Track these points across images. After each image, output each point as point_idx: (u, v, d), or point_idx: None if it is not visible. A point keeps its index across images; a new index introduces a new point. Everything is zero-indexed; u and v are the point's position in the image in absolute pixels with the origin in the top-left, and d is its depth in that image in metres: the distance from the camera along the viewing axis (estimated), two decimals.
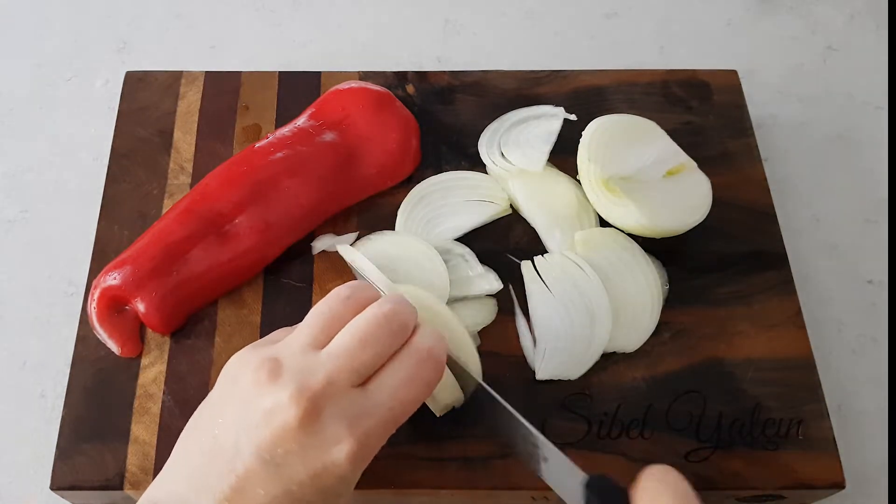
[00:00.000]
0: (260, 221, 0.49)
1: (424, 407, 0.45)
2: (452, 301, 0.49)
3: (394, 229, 0.52)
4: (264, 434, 0.35)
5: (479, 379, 0.42)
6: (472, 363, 0.43)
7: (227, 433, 0.36)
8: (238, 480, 0.35)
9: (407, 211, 0.52)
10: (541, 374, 0.46)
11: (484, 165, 0.54)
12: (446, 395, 0.42)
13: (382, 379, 0.36)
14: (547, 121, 0.55)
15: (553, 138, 0.53)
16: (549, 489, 0.44)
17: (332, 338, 0.37)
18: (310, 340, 0.37)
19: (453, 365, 0.42)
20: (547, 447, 0.39)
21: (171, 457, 0.39)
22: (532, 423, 0.41)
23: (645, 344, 0.48)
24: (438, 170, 0.54)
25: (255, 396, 0.36)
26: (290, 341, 0.38)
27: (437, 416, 0.44)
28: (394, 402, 0.36)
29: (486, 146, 0.55)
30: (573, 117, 0.54)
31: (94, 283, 0.48)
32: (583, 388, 0.46)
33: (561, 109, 0.55)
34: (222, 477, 0.35)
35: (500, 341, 0.48)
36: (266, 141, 0.52)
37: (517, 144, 0.54)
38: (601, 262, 0.49)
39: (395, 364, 0.37)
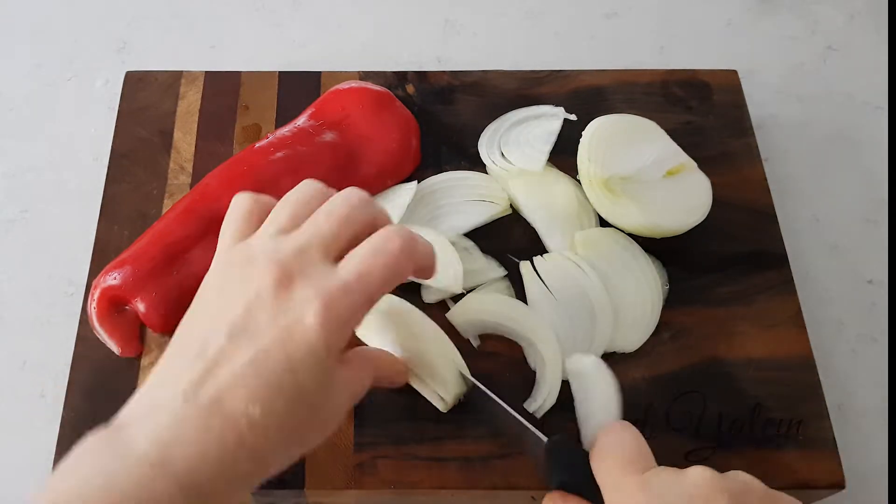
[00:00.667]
0: None
1: (426, 405, 0.45)
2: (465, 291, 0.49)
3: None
4: (237, 310, 0.34)
5: (468, 376, 0.43)
6: (454, 364, 0.44)
7: (201, 326, 0.35)
8: (207, 362, 0.33)
9: (409, 210, 0.52)
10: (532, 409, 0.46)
11: (484, 165, 0.54)
12: (451, 387, 0.43)
13: (351, 254, 0.36)
14: (547, 121, 0.55)
15: (553, 138, 0.53)
16: (550, 489, 0.44)
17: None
18: (277, 228, 0.37)
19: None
20: (519, 424, 0.41)
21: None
22: (532, 423, 0.41)
23: (645, 344, 0.48)
24: (438, 170, 0.54)
25: (228, 281, 0.36)
26: (259, 233, 0.37)
27: (444, 412, 0.45)
28: (361, 272, 0.35)
29: (487, 146, 0.55)
30: (573, 117, 0.54)
31: (94, 283, 0.48)
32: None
33: (561, 109, 0.55)
34: (192, 362, 0.33)
35: (501, 341, 0.48)
36: (266, 141, 0.52)
37: (517, 144, 0.54)
38: (601, 263, 0.49)
39: (364, 242, 0.36)
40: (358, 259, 0.35)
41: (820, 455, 0.45)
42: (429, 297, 0.49)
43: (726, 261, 0.51)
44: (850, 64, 0.68)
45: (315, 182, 0.39)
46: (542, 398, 0.45)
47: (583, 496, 0.38)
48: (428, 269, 0.39)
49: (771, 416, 0.46)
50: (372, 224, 0.37)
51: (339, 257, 0.36)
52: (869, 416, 0.53)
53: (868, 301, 0.57)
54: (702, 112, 0.57)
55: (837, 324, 0.56)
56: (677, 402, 0.46)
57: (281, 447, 0.33)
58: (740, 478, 0.36)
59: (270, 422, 0.32)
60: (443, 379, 0.43)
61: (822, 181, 0.62)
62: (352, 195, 0.38)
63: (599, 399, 0.45)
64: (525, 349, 0.48)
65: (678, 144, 0.52)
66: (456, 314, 0.48)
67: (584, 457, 0.38)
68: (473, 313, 0.48)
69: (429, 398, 0.45)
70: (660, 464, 0.38)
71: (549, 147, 0.53)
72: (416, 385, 0.44)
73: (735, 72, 0.59)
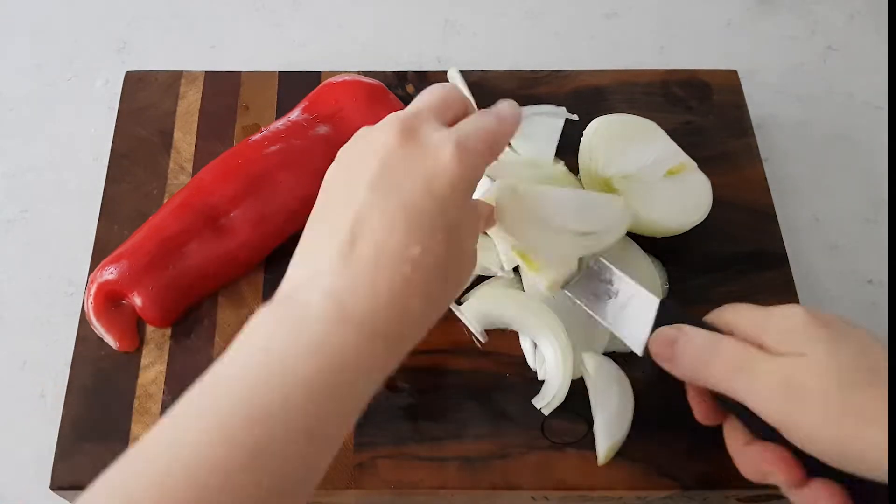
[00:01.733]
0: (255, 215, 0.49)
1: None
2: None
3: None
4: (371, 164, 0.35)
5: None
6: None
7: (337, 193, 0.36)
8: (354, 216, 0.33)
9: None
10: (542, 374, 0.46)
11: None
12: (553, 271, 0.44)
13: (463, 120, 0.37)
14: (550, 119, 0.55)
15: (557, 135, 0.53)
16: (549, 489, 0.44)
17: None
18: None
19: None
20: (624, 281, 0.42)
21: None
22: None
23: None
24: None
25: (356, 152, 0.37)
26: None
27: (550, 293, 0.45)
28: (477, 125, 0.36)
29: None
30: (574, 117, 0.54)
31: (91, 277, 0.48)
32: (584, 387, 0.46)
33: (563, 109, 0.55)
34: (339, 223, 0.34)
35: (502, 341, 0.48)
36: (260, 135, 0.52)
37: (524, 137, 0.54)
38: None
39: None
40: (470, 119, 0.37)
41: None
42: None
43: (726, 261, 0.51)
44: (850, 64, 0.68)
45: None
46: (551, 396, 0.45)
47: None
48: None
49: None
50: (466, 109, 0.39)
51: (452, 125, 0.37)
52: None
53: (868, 301, 0.57)
54: (702, 112, 0.57)
55: None
56: (677, 402, 0.46)
57: (442, 283, 0.34)
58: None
59: (430, 259, 0.33)
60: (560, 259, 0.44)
61: (822, 181, 0.62)
62: (452, 87, 0.39)
63: (616, 400, 0.45)
64: (527, 348, 0.48)
65: (678, 144, 0.52)
66: (469, 308, 0.48)
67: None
68: (487, 307, 0.48)
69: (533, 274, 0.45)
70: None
71: (555, 142, 0.53)
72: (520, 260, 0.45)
73: (735, 72, 0.59)
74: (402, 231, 0.33)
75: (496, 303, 0.48)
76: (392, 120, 0.36)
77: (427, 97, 0.38)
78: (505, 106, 0.39)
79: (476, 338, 0.48)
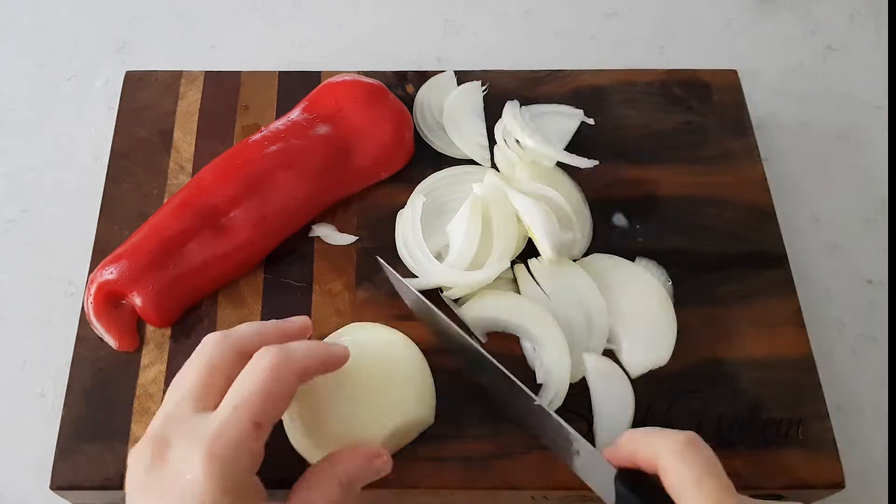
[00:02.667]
0: (255, 214, 0.49)
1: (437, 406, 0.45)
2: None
3: (392, 220, 0.52)
4: (129, 492, 0.35)
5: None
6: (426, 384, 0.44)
7: None
8: None
9: (417, 203, 0.52)
10: (541, 378, 0.46)
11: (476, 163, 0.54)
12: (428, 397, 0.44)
13: (229, 390, 0.36)
14: (565, 119, 0.55)
15: (568, 137, 0.54)
16: (549, 489, 0.44)
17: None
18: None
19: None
20: (579, 441, 0.40)
21: None
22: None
23: None
24: (434, 161, 0.54)
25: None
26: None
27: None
28: (236, 402, 0.35)
29: (503, 130, 0.54)
30: (590, 121, 0.55)
31: (91, 277, 0.48)
32: (582, 389, 0.46)
33: (580, 112, 0.55)
34: None
35: (504, 341, 0.48)
36: (260, 135, 0.52)
37: (535, 133, 0.53)
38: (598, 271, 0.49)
39: (240, 374, 0.37)
40: (232, 391, 0.36)
41: (820, 455, 0.45)
42: (452, 294, 0.49)
43: (726, 261, 0.51)
44: (850, 64, 0.68)
45: (203, 340, 0.39)
46: (550, 398, 0.45)
47: None
48: (325, 364, 0.39)
49: (771, 416, 0.46)
50: (244, 355, 0.37)
51: (218, 401, 0.36)
52: (869, 416, 0.53)
53: (868, 301, 0.57)
54: (702, 112, 0.57)
55: (837, 324, 0.56)
56: (677, 402, 0.46)
57: None
58: None
59: None
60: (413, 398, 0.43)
61: (822, 181, 0.62)
62: (210, 339, 0.38)
63: (616, 399, 0.45)
64: (528, 349, 0.48)
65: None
66: (470, 309, 0.48)
67: (656, 487, 0.37)
68: (488, 310, 0.48)
69: None
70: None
71: (564, 143, 0.53)
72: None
73: (735, 72, 0.59)
74: None
75: (496, 306, 0.48)
76: (146, 437, 0.35)
77: (188, 376, 0.37)
78: (298, 351, 0.37)
79: (477, 338, 0.48)
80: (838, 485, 0.44)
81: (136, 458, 0.35)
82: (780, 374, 0.47)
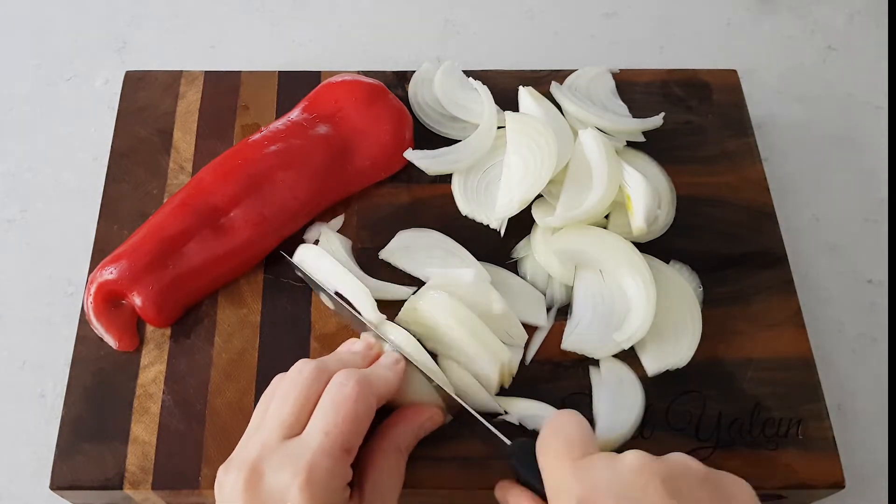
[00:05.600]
0: (255, 214, 0.49)
1: None
2: None
3: (392, 220, 0.52)
4: None
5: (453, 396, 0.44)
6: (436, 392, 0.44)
7: None
8: None
9: (461, 182, 0.53)
10: (566, 344, 0.47)
11: None
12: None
13: (312, 417, 0.38)
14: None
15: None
16: None
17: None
18: (256, 426, 0.40)
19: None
20: (479, 424, 0.42)
21: None
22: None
23: None
24: None
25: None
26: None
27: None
28: (327, 429, 0.37)
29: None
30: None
31: (91, 277, 0.48)
32: (583, 388, 0.46)
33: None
34: None
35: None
36: (260, 134, 0.52)
37: (603, 113, 0.54)
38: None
39: (323, 396, 0.39)
40: (320, 417, 0.38)
41: (820, 455, 0.45)
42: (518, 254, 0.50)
43: (726, 261, 0.51)
44: (850, 64, 0.68)
45: (297, 368, 0.41)
46: (634, 328, 0.46)
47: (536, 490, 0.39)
48: (393, 393, 0.42)
49: (771, 416, 0.46)
50: (319, 379, 0.40)
51: (304, 425, 0.38)
52: (869, 416, 0.53)
53: (868, 301, 0.57)
54: (702, 112, 0.57)
55: (837, 324, 0.56)
56: (677, 402, 0.46)
57: None
58: (677, 460, 0.35)
59: None
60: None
61: (822, 181, 0.62)
62: (301, 370, 0.40)
63: (627, 400, 0.45)
64: (591, 281, 0.48)
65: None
66: (554, 243, 0.49)
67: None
68: (570, 244, 0.48)
69: None
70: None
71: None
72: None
73: (735, 72, 0.59)
74: None
75: (580, 239, 0.48)
76: (240, 463, 0.37)
77: (281, 406, 0.39)
78: (376, 379, 0.40)
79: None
80: (838, 485, 0.44)
81: (231, 486, 0.37)
82: (779, 374, 0.47)
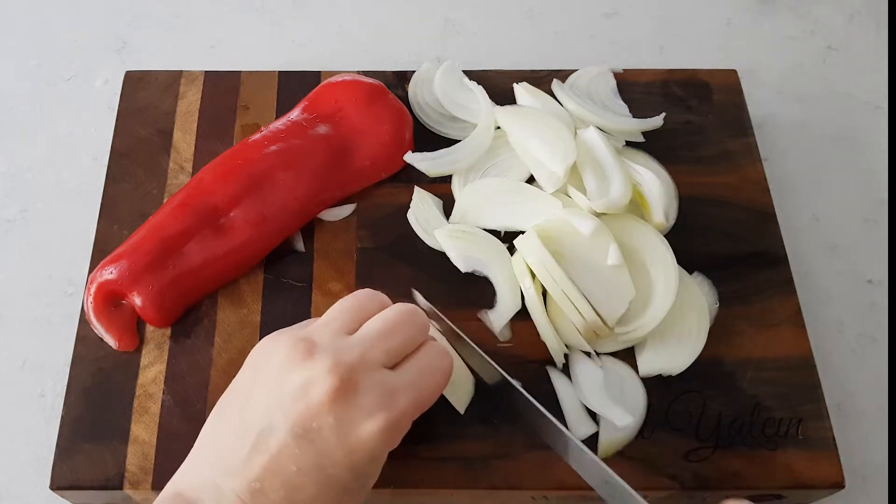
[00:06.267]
0: (255, 214, 0.49)
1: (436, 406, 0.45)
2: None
3: (392, 220, 0.52)
4: (299, 408, 0.35)
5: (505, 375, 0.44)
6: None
7: (257, 414, 0.36)
8: (270, 459, 0.35)
9: (461, 182, 0.53)
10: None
11: None
12: (464, 392, 0.45)
13: (410, 363, 0.39)
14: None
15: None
16: (549, 489, 0.44)
17: (360, 327, 0.39)
18: (340, 326, 0.39)
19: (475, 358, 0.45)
20: (572, 443, 0.41)
21: (194, 447, 0.39)
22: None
23: None
24: None
25: (289, 373, 0.36)
26: (321, 327, 0.39)
27: (461, 412, 0.46)
28: (420, 383, 0.38)
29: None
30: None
31: (91, 277, 0.48)
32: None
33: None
34: (253, 457, 0.35)
35: (503, 342, 0.48)
36: (260, 134, 0.52)
37: (603, 112, 0.55)
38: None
39: (420, 353, 0.40)
40: (415, 371, 0.39)
41: (820, 455, 0.45)
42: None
43: (726, 261, 0.51)
44: (850, 64, 0.68)
45: (372, 291, 0.42)
46: (654, 316, 0.47)
47: None
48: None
49: (771, 416, 0.46)
50: (423, 331, 0.40)
51: (395, 363, 0.39)
52: (869, 416, 0.53)
53: (868, 301, 0.57)
54: (702, 112, 0.57)
55: (837, 324, 0.56)
56: (677, 402, 0.46)
57: None
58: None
59: None
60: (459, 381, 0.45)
61: (822, 181, 0.62)
62: (407, 311, 0.40)
63: (629, 400, 0.46)
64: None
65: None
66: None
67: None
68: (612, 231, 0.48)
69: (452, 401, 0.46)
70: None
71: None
72: None
73: (735, 71, 0.59)
74: (314, 490, 0.35)
75: (617, 226, 0.48)
76: (336, 363, 0.36)
77: (387, 333, 0.39)
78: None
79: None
80: (838, 485, 0.44)
81: (318, 376, 0.36)
82: (779, 373, 0.47)
